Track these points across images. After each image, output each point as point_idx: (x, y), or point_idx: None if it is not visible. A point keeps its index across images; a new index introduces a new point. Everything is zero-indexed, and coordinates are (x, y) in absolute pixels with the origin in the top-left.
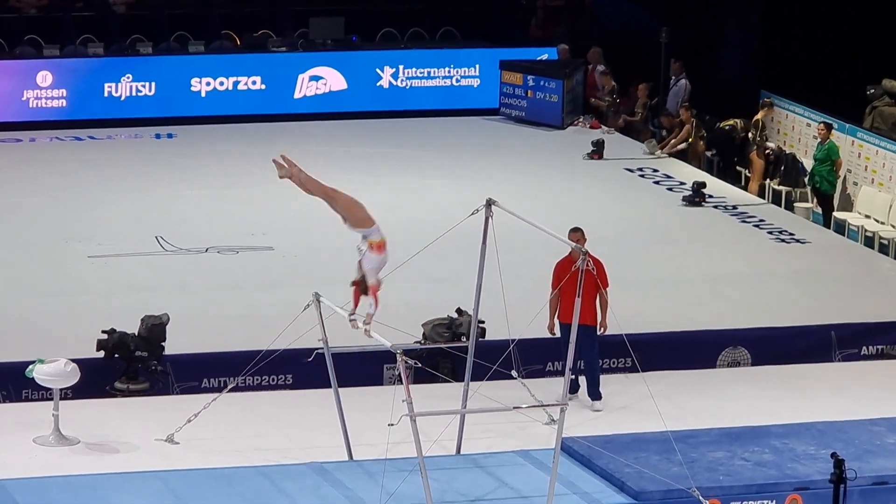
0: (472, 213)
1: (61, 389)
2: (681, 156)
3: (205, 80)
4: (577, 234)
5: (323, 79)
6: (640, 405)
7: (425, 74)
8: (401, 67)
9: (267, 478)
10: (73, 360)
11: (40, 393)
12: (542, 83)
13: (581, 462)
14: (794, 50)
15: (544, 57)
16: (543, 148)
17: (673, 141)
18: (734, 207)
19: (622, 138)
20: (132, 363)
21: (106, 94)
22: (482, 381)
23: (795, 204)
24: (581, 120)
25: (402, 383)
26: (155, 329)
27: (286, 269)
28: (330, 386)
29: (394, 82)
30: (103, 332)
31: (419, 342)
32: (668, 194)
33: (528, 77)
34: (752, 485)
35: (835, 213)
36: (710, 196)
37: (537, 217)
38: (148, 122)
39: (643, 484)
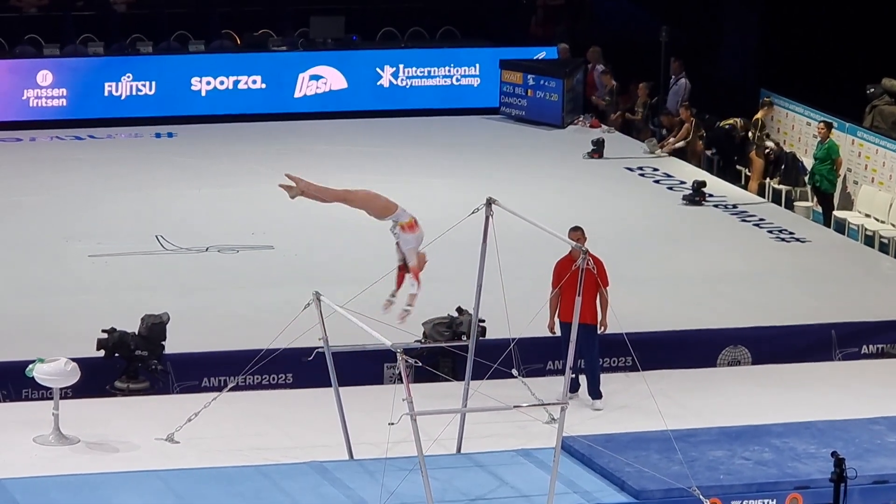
0: (473, 212)
1: (61, 389)
2: (681, 155)
3: (205, 79)
4: (577, 233)
5: (323, 78)
6: (640, 404)
7: (425, 74)
8: (401, 67)
9: (267, 477)
10: (74, 360)
11: (40, 392)
12: (542, 82)
13: (581, 461)
14: (794, 49)
15: (542, 55)
16: (543, 147)
17: (672, 139)
18: (734, 206)
19: (622, 137)
20: (132, 362)
21: (106, 94)
22: (482, 380)
23: (795, 203)
24: (581, 119)
25: (402, 382)
26: (155, 328)
27: (286, 268)
28: (330, 385)
29: (394, 81)
30: (103, 331)
31: (419, 341)
32: (668, 193)
33: (529, 76)
34: (752, 484)
35: (835, 212)
36: (711, 195)
37: (537, 216)
38: (148, 122)
39: (644, 483)
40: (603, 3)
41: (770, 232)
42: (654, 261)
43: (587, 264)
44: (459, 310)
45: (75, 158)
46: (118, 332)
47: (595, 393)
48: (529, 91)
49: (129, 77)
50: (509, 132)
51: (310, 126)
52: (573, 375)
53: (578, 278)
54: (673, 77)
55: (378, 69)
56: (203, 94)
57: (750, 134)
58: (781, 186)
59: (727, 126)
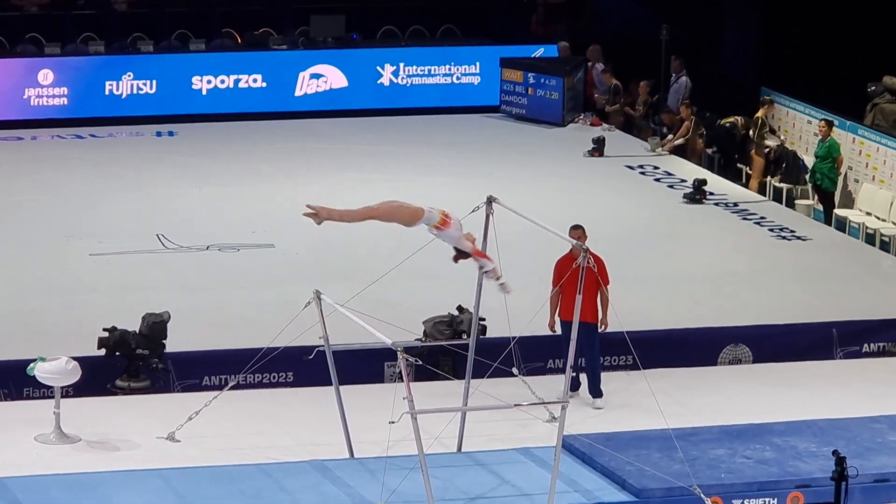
0: (473, 211)
1: (62, 387)
2: (681, 153)
3: (206, 78)
4: (577, 231)
5: (324, 76)
6: (641, 403)
7: (426, 72)
8: (401, 65)
9: (268, 475)
10: (75, 358)
11: (41, 391)
12: (542, 81)
13: (582, 460)
14: (795, 47)
15: (540, 51)
16: (544, 145)
17: (672, 137)
18: (735, 205)
19: (623, 136)
20: (133, 361)
21: (107, 93)
22: (483, 379)
23: (796, 201)
24: (582, 117)
25: (402, 381)
26: (156, 327)
27: (287, 267)
28: (331, 383)
29: (394, 80)
30: (104, 329)
31: (420, 340)
32: (668, 192)
33: (529, 74)
34: (753, 482)
35: (836, 211)
36: (711, 193)
37: (538, 214)
38: (149, 120)
39: (644, 482)
40: (603, 1)
41: (771, 230)
42: (655, 259)
43: (588, 263)
44: (460, 308)
45: (76, 157)
46: (119, 330)
47: (596, 391)
48: (530, 89)
49: (129, 76)
50: (510, 130)
51: (310, 125)
52: (574, 374)
53: (579, 277)
54: (673, 75)
55: (378, 68)
56: (204, 92)
57: (750, 132)
58: (782, 185)
59: (728, 124)
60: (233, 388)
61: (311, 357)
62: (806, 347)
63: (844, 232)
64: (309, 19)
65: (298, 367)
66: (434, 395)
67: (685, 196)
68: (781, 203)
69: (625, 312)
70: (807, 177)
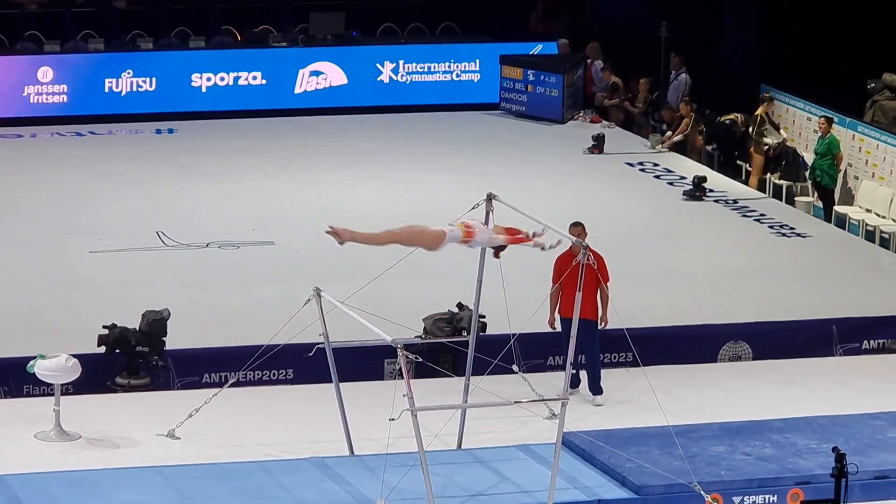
0: (473, 208)
1: (62, 385)
2: (681, 150)
3: (205, 75)
4: (577, 228)
5: (323, 74)
6: (641, 400)
7: (425, 69)
8: (401, 62)
9: (268, 472)
10: (75, 356)
11: (41, 388)
12: (542, 78)
13: (582, 457)
14: (795, 44)
15: (539, 48)
16: (544, 142)
17: (671, 133)
18: (735, 202)
19: (623, 132)
20: (133, 358)
21: (106, 90)
22: (483, 376)
23: (796, 198)
24: (581, 114)
25: (402, 378)
26: (156, 324)
27: (287, 264)
28: (331, 381)
29: (394, 77)
30: (104, 327)
31: (420, 337)
32: (668, 189)
33: (529, 71)
34: (753, 479)
35: (835, 208)
36: (711, 190)
37: (538, 211)
38: (148, 118)
39: (644, 478)
40: None
41: (771, 227)
42: (655, 256)
43: (588, 260)
44: (460, 305)
45: (76, 155)
46: (119, 328)
47: (596, 388)
48: (529, 86)
49: (129, 73)
50: (509, 127)
51: (310, 122)
52: (574, 371)
53: (579, 274)
54: (673, 72)
55: (378, 65)
56: (203, 90)
57: (750, 129)
58: (782, 182)
59: (727, 121)
60: (233, 385)
61: (311, 354)
62: (806, 344)
63: (844, 229)
64: (308, 16)
65: (298, 364)
66: (434, 392)
67: (685, 193)
68: (781, 200)
69: (625, 309)
70: (806, 174)
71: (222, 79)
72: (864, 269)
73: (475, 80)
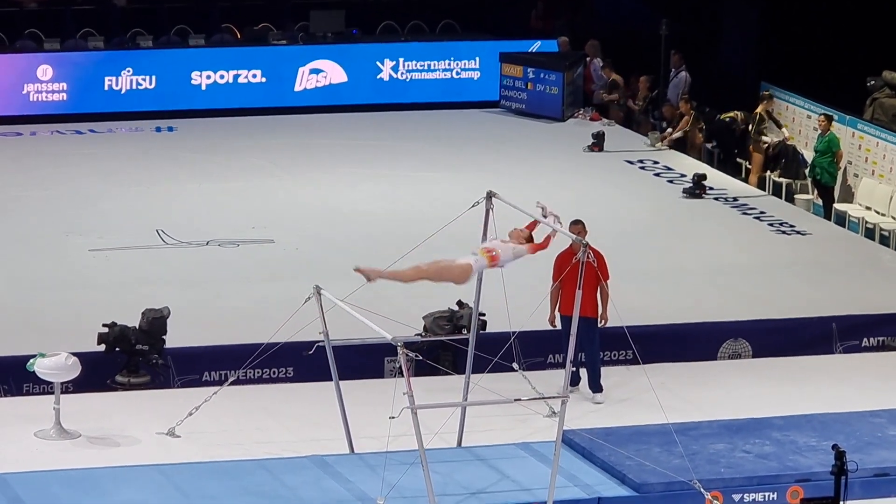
0: (473, 206)
1: (62, 383)
2: (681, 148)
3: (205, 73)
4: (577, 226)
5: (323, 72)
6: (641, 397)
7: (425, 67)
8: (401, 60)
9: (268, 471)
10: (74, 354)
11: (41, 387)
12: (542, 75)
13: (582, 454)
14: (795, 42)
15: (537, 45)
16: (544, 140)
17: (671, 131)
18: (735, 199)
19: (622, 130)
20: (133, 357)
21: (106, 88)
22: (483, 374)
23: (796, 196)
24: (581, 112)
25: (402, 376)
26: (156, 322)
27: (287, 262)
28: (331, 379)
29: (394, 75)
30: (104, 325)
31: (420, 335)
32: (668, 186)
33: (529, 69)
34: (753, 477)
35: (835, 205)
36: (711, 188)
37: (538, 210)
38: (148, 116)
39: (644, 476)
40: None
41: (771, 225)
42: (655, 254)
43: (588, 257)
44: (460, 303)
45: (75, 153)
46: (119, 326)
47: (596, 386)
48: (529, 84)
49: (129, 71)
50: (509, 125)
51: (310, 120)
52: (574, 369)
53: (579, 271)
54: (673, 70)
55: (378, 63)
56: (203, 88)
57: (750, 127)
58: (782, 179)
59: (727, 119)
60: (233, 383)
61: (311, 352)
62: (806, 342)
63: (844, 226)
64: (308, 14)
65: (298, 362)
66: (434, 390)
67: (685, 191)
68: (781, 198)
69: (625, 307)
70: (806, 171)
71: (222, 77)
72: (863, 267)
73: (475, 78)
